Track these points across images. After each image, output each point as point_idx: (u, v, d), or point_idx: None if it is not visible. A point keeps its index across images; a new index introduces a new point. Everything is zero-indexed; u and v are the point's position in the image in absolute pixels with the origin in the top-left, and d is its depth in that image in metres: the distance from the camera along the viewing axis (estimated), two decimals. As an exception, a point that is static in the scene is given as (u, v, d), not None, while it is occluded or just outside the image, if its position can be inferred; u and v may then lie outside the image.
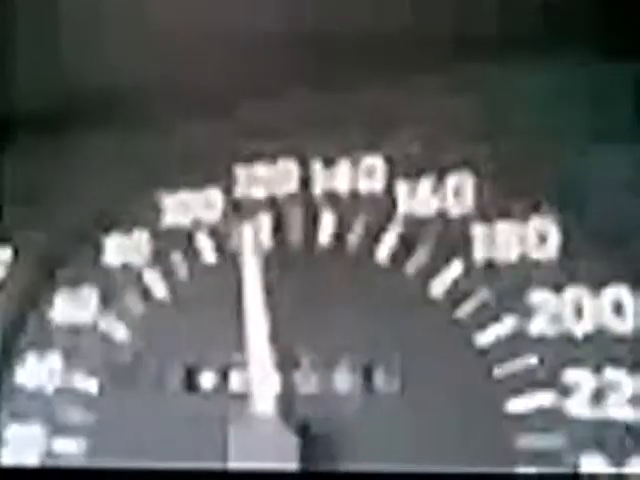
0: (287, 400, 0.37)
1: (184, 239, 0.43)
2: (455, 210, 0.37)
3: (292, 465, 0.35)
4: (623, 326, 0.34)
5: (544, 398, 0.34)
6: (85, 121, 0.45)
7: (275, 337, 0.38)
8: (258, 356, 0.37)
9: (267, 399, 0.37)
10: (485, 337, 0.36)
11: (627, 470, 0.32)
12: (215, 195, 0.43)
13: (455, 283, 0.37)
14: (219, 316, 0.41)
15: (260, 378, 0.37)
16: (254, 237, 0.39)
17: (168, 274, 0.43)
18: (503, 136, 0.36)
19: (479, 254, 0.36)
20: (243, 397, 0.38)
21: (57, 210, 0.46)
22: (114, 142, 0.46)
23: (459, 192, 0.38)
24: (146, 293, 0.43)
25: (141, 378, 0.42)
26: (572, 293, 0.34)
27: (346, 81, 0.40)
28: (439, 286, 0.37)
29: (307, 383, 0.38)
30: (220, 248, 0.42)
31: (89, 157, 0.46)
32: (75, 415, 0.43)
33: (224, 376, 0.40)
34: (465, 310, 0.36)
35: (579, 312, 0.34)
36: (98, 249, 0.45)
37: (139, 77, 0.42)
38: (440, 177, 0.38)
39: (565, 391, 0.34)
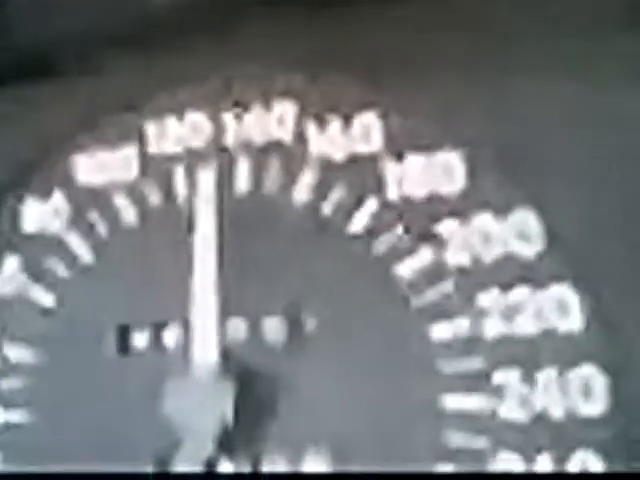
0: (225, 350, 0.38)
1: (102, 200, 0.43)
2: (364, 150, 0.38)
3: (228, 411, 0.36)
4: (528, 249, 0.35)
5: (461, 323, 0.36)
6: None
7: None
8: (203, 308, 0.38)
9: (209, 350, 0.37)
10: (404, 269, 0.37)
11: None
12: (129, 153, 0.43)
13: (371, 220, 0.37)
14: (146, 274, 0.41)
15: (203, 330, 0.38)
16: (210, 185, 0.39)
17: (89, 237, 0.43)
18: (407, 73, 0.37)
19: (392, 190, 0.37)
20: (180, 351, 0.39)
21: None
22: (17, 101, 0.44)
23: (367, 132, 0.38)
24: (69, 257, 0.43)
25: (73, 342, 0.42)
26: (479, 221, 0.36)
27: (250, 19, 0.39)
28: (357, 223, 0.38)
29: (236, 331, 0.39)
30: (139, 206, 0.42)
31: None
32: (6, 384, 0.43)
33: (158, 332, 0.41)
34: (383, 244, 0.37)
35: (486, 239, 0.36)
36: (14, 217, 0.45)
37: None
38: (347, 119, 0.39)
39: (479, 314, 0.36)
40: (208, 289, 0.38)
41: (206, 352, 0.37)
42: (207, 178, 0.41)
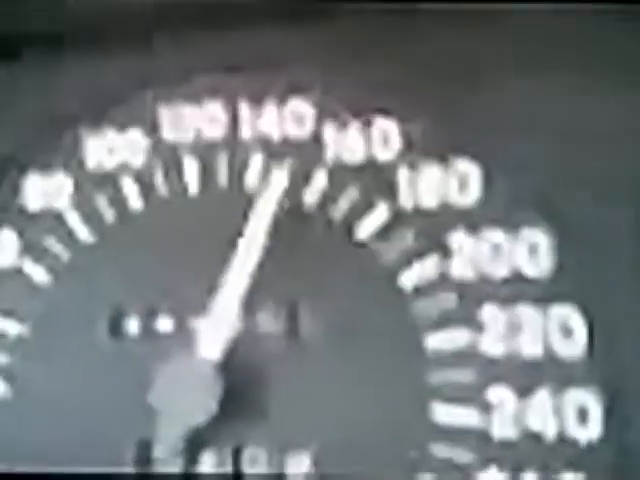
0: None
1: (109, 182, 0.42)
2: (382, 155, 0.38)
3: (212, 404, 0.36)
4: (537, 267, 0.36)
5: (460, 335, 0.36)
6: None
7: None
8: (223, 301, 0.37)
9: (216, 344, 0.37)
10: (408, 278, 0.37)
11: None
12: (139, 137, 0.43)
13: (380, 227, 0.38)
14: (145, 262, 0.40)
15: (212, 323, 0.37)
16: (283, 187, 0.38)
17: (92, 218, 0.42)
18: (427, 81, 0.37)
19: (404, 198, 0.38)
20: (175, 339, 0.39)
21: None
22: (30, 75, 0.44)
23: (386, 138, 0.39)
24: (69, 237, 0.42)
25: (66, 321, 0.41)
26: (491, 236, 0.36)
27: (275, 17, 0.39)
28: (365, 230, 0.38)
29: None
30: (146, 193, 0.42)
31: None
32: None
33: (152, 319, 0.40)
34: (389, 252, 0.37)
35: (496, 253, 0.36)
36: (15, 191, 0.44)
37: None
38: (367, 123, 0.39)
39: (480, 328, 0.36)
40: (235, 284, 0.37)
41: (210, 344, 0.37)
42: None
